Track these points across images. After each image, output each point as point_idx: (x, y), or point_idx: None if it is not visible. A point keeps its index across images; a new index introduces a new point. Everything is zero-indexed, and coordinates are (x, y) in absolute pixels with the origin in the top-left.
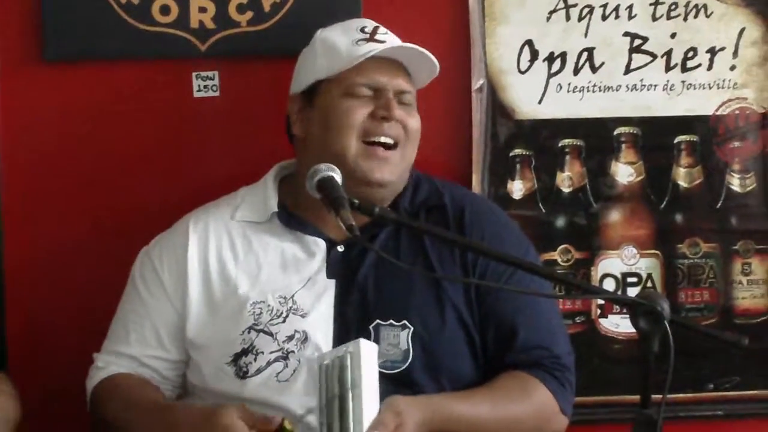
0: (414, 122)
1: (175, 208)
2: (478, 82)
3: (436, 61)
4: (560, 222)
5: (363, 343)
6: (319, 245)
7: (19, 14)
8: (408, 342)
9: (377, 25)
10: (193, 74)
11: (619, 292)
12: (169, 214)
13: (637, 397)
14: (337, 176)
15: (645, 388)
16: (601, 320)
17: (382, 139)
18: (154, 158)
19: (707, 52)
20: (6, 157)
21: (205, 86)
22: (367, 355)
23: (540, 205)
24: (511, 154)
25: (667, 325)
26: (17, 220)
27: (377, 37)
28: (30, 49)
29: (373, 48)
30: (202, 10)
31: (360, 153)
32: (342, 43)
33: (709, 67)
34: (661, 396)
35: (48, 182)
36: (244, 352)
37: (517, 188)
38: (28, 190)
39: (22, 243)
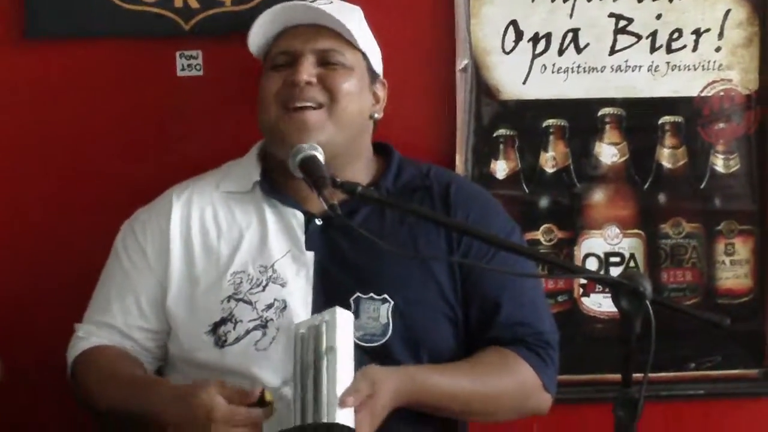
0: (341, 82)
1: (158, 185)
2: (462, 62)
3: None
4: (543, 202)
5: (339, 311)
6: (297, 217)
7: None
8: (388, 316)
9: None
10: (177, 53)
11: (602, 272)
12: (152, 192)
13: (619, 376)
14: (320, 155)
15: (626, 367)
16: (584, 299)
17: (297, 104)
18: (137, 137)
19: (692, 33)
20: None
21: (188, 65)
22: (343, 324)
23: (523, 185)
24: (494, 135)
25: (649, 305)
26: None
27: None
28: (12, 26)
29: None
30: None
31: (279, 118)
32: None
33: (694, 49)
34: (642, 375)
35: (29, 159)
36: (223, 321)
37: (500, 168)
38: (10, 166)
39: (2, 218)
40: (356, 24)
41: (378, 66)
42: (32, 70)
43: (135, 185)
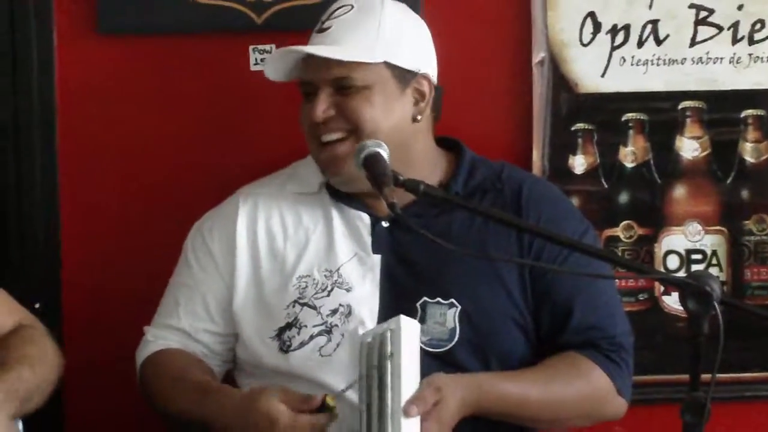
0: (359, 109)
1: (231, 181)
2: (539, 55)
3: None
4: (623, 198)
5: (403, 319)
6: (364, 220)
7: None
8: (455, 320)
9: (335, 8)
10: (250, 47)
11: (683, 270)
12: (225, 187)
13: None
14: (384, 152)
15: (694, 369)
16: (665, 298)
17: (324, 139)
18: (209, 131)
19: None
20: (63, 130)
21: (262, 59)
22: (408, 332)
23: (602, 180)
24: (572, 129)
25: (717, 306)
26: (74, 191)
27: (324, 25)
28: (85, 21)
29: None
30: None
31: (316, 150)
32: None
33: None
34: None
35: (104, 154)
36: (288, 326)
37: (578, 163)
38: (85, 162)
39: (78, 214)
40: (372, 34)
41: (411, 62)
42: (104, 66)
43: (207, 179)
